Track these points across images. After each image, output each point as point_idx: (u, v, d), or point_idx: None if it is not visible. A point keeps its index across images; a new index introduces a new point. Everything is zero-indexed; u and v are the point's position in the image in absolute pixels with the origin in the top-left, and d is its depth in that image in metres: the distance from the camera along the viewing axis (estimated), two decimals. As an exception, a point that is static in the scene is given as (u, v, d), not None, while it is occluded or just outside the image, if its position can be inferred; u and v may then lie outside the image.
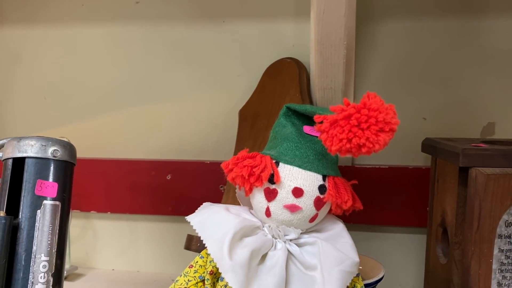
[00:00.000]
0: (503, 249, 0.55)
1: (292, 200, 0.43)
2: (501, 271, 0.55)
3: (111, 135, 0.85)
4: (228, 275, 0.40)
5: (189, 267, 0.48)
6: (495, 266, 0.55)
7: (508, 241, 0.55)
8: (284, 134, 0.46)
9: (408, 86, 0.76)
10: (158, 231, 0.86)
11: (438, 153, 0.63)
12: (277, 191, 0.44)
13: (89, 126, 0.86)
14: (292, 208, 0.43)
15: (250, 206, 0.49)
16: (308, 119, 0.47)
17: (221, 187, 0.80)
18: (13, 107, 0.88)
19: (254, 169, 0.43)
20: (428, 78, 0.75)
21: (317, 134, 0.46)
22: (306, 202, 0.44)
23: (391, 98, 0.75)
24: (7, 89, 0.88)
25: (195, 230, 0.44)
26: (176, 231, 0.84)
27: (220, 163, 0.81)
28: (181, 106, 0.82)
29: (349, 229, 0.79)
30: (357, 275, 0.46)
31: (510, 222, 0.55)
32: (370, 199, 0.77)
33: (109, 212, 0.85)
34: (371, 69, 0.76)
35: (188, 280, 0.47)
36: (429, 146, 0.65)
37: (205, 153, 0.82)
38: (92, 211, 0.86)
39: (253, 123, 0.73)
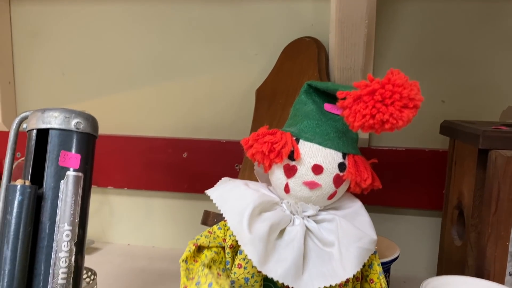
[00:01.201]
0: (520, 232, 0.55)
1: (311, 177, 0.43)
2: (517, 254, 0.55)
3: (129, 112, 0.86)
4: (247, 248, 0.40)
5: (208, 232, 0.48)
6: (511, 249, 0.55)
7: (526, 225, 0.55)
8: (305, 112, 0.46)
9: (428, 67, 0.75)
10: (174, 208, 0.87)
11: (457, 135, 0.62)
12: (296, 167, 0.44)
13: (106, 102, 0.86)
14: (311, 185, 0.43)
15: (268, 183, 0.49)
16: (329, 97, 0.47)
17: (237, 166, 0.81)
18: (32, 83, 0.89)
19: (274, 146, 0.43)
20: (448, 60, 0.74)
21: (338, 112, 0.46)
22: (326, 179, 0.44)
23: (410, 79, 0.75)
24: (26, 64, 0.89)
25: (214, 203, 0.45)
26: (191, 208, 0.85)
27: (236, 142, 0.82)
28: (198, 85, 0.83)
29: (366, 210, 0.79)
30: (375, 253, 0.46)
31: (528, 205, 0.54)
32: (386, 181, 0.76)
33: (125, 188, 0.87)
34: (391, 50, 0.76)
35: (210, 241, 0.47)
36: (447, 128, 0.65)
37: (221, 132, 0.83)
38: (109, 187, 0.87)
39: (271, 103, 0.73)
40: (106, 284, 0.71)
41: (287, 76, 0.73)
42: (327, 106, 0.46)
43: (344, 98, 0.41)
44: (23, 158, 0.82)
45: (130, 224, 0.89)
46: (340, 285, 0.43)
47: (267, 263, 0.40)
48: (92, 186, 0.87)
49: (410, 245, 0.78)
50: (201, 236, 0.47)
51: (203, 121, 0.83)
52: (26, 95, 0.89)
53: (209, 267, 0.44)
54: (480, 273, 0.55)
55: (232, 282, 0.44)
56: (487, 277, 0.54)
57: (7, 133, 0.87)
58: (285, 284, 0.40)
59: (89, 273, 0.59)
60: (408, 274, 0.76)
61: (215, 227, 0.49)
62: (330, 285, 0.41)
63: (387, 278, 0.56)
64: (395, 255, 0.55)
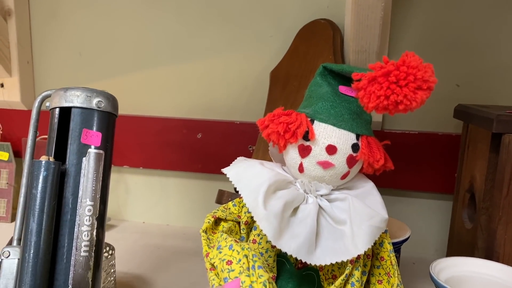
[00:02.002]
0: (531, 216, 0.55)
1: (325, 157, 0.44)
2: (527, 237, 0.56)
3: (144, 93, 0.87)
4: (262, 223, 0.41)
5: (224, 207, 0.50)
6: (521, 232, 0.56)
7: (537, 208, 0.55)
8: (320, 93, 0.47)
9: (442, 51, 0.75)
10: (188, 187, 0.88)
11: (470, 119, 0.62)
12: (311, 147, 0.45)
13: (122, 83, 0.87)
14: (325, 165, 0.45)
15: (282, 163, 0.50)
16: (344, 79, 0.47)
17: (250, 147, 0.82)
18: (50, 63, 0.90)
19: (289, 126, 0.44)
20: (463, 44, 0.74)
21: (353, 94, 0.46)
22: (339, 160, 0.45)
23: (425, 63, 0.75)
24: (44, 45, 0.90)
25: (231, 181, 0.46)
26: (204, 187, 0.87)
27: (250, 123, 0.83)
28: (213, 66, 0.83)
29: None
30: (385, 232, 0.47)
31: (540, 190, 0.55)
32: (399, 164, 0.77)
33: (141, 167, 0.88)
34: (406, 33, 0.75)
35: (226, 216, 0.49)
36: (461, 112, 0.65)
37: (235, 113, 0.84)
38: (125, 166, 0.89)
39: (285, 85, 0.73)
40: (123, 260, 0.74)
41: (302, 59, 0.73)
42: (342, 88, 0.47)
43: (359, 80, 0.41)
44: (42, 137, 0.83)
45: (145, 202, 0.91)
46: (351, 261, 0.44)
47: (281, 239, 0.42)
48: (109, 165, 0.89)
49: (421, 227, 0.79)
50: (218, 210, 0.49)
51: (217, 102, 0.84)
52: (44, 74, 0.91)
53: (227, 234, 0.46)
54: (489, 255, 0.56)
55: None
56: (497, 259, 0.55)
57: (26, 111, 0.89)
58: (299, 258, 0.41)
59: (108, 248, 0.61)
60: (418, 255, 0.77)
61: (230, 203, 0.50)
62: (342, 261, 0.42)
63: (397, 258, 0.57)
64: (406, 236, 0.56)
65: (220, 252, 0.43)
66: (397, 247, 0.56)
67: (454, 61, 0.75)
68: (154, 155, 0.87)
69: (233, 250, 0.42)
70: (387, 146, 0.74)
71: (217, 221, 0.50)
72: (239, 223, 0.49)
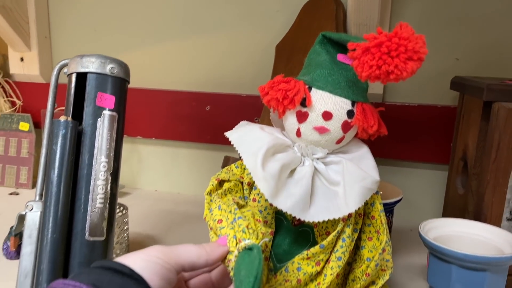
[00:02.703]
0: (519, 181, 0.58)
1: (321, 122, 0.47)
2: (515, 201, 0.59)
3: (156, 67, 0.91)
4: (260, 183, 0.44)
5: (227, 169, 0.53)
6: (509, 195, 0.59)
7: (525, 174, 0.58)
8: (318, 61, 0.49)
9: (443, 26, 0.77)
10: (198, 157, 0.93)
11: (465, 89, 0.65)
12: (308, 113, 0.47)
13: (135, 57, 0.91)
14: (321, 130, 0.47)
15: (282, 128, 0.54)
16: (343, 48, 0.50)
17: (256, 119, 0.85)
18: (66, 38, 0.95)
19: (288, 93, 0.47)
20: (463, 18, 0.76)
21: (350, 62, 0.49)
22: (334, 125, 0.47)
23: (426, 37, 0.77)
24: (61, 20, 0.94)
25: (232, 144, 0.49)
26: (214, 157, 0.91)
27: (256, 96, 0.86)
28: (221, 40, 0.87)
29: (377, 163, 0.84)
30: (377, 193, 0.50)
31: (528, 156, 0.58)
32: (399, 135, 0.81)
33: (153, 138, 0.93)
34: (407, 8, 0.77)
35: (230, 176, 0.52)
36: (457, 83, 0.68)
37: (242, 87, 0.87)
38: (138, 136, 0.93)
39: (289, 58, 0.76)
40: (136, 222, 0.79)
41: (306, 33, 0.76)
42: (340, 57, 0.49)
43: (354, 50, 0.44)
44: (60, 108, 0.88)
45: (157, 171, 0.96)
46: (343, 219, 0.48)
47: (277, 197, 0.45)
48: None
49: (419, 196, 0.83)
50: (221, 172, 0.53)
51: (225, 76, 0.88)
52: (61, 49, 0.95)
53: (225, 194, 0.50)
54: (478, 218, 0.59)
55: None
56: (484, 221, 0.58)
57: (45, 84, 0.94)
58: (293, 215, 0.45)
59: (121, 208, 0.66)
60: (415, 223, 0.80)
61: (233, 165, 0.54)
62: (334, 218, 0.46)
63: (390, 219, 0.61)
64: (398, 198, 0.59)
65: (212, 214, 0.47)
66: (390, 208, 0.59)
67: (454, 35, 0.77)
68: (165, 127, 0.91)
69: (221, 210, 0.47)
70: (388, 117, 0.77)
71: (221, 183, 0.53)
72: (242, 182, 0.53)
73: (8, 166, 0.93)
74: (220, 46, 0.87)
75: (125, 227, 0.63)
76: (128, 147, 0.96)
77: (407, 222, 0.79)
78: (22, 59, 0.94)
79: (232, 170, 0.53)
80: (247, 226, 0.42)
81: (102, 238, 0.48)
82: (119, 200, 0.88)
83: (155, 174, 0.96)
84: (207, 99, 0.88)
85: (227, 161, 0.69)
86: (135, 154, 0.96)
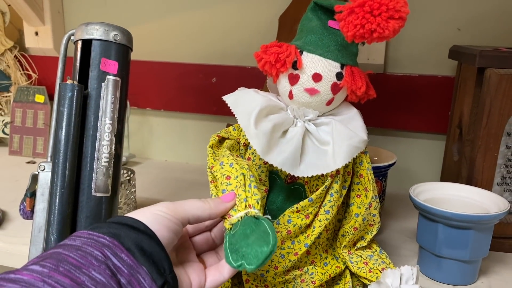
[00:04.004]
0: (511, 146, 0.60)
1: (311, 84, 0.50)
2: (506, 166, 0.61)
3: (164, 39, 0.94)
4: (253, 140, 0.48)
5: (225, 131, 0.56)
6: (500, 161, 0.60)
7: (516, 139, 0.60)
8: (310, 27, 0.52)
9: (445, -5, 0.78)
10: (204, 128, 0.96)
11: (461, 57, 0.66)
12: (299, 76, 0.50)
13: (145, 30, 0.94)
14: (311, 91, 0.50)
15: (277, 94, 0.56)
16: (334, 15, 0.52)
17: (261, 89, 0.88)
18: (79, 12, 0.98)
19: (280, 55, 0.50)
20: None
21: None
22: (324, 87, 0.50)
23: (426, 7, 0.78)
24: (73, -5, 0.97)
25: (229, 106, 0.52)
26: (220, 128, 0.93)
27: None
28: (226, 13, 0.89)
29: (378, 133, 0.86)
30: (365, 153, 0.53)
31: (520, 122, 0.59)
32: (399, 105, 0.82)
33: (162, 110, 0.96)
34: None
35: (228, 135, 0.55)
36: (455, 52, 0.69)
37: (247, 59, 0.90)
38: (147, 108, 0.97)
39: (291, 29, 0.78)
40: (145, 188, 0.83)
41: (308, 3, 0.77)
42: (331, 23, 0.51)
43: (341, 12, 0.46)
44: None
45: (167, 142, 1.00)
46: (331, 175, 0.50)
47: (269, 154, 0.48)
48: (133, 107, 0.98)
49: (419, 165, 0.84)
50: (221, 132, 0.56)
51: (230, 48, 0.90)
52: (74, 23, 0.99)
53: (230, 150, 0.53)
54: (469, 182, 0.61)
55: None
56: (475, 185, 0.60)
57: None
58: (283, 170, 0.48)
59: (129, 172, 0.70)
60: (415, 191, 0.82)
61: (230, 128, 0.57)
62: (322, 174, 0.49)
63: (383, 182, 0.63)
64: (391, 162, 0.62)
65: (222, 168, 0.50)
66: (383, 172, 0.61)
67: (455, 4, 0.77)
68: (173, 98, 0.95)
69: (233, 168, 0.49)
70: (389, 88, 0.79)
71: (221, 141, 0.56)
72: (239, 143, 0.56)
73: (25, 136, 0.98)
74: (226, 18, 0.89)
75: (133, 190, 0.67)
76: (138, 118, 0.99)
77: (406, 190, 0.81)
78: (36, 33, 0.98)
79: (230, 131, 0.56)
80: (260, 199, 0.44)
81: (108, 195, 0.51)
82: (128, 166, 0.93)
83: (165, 144, 1.00)
84: (213, 71, 0.91)
85: (229, 128, 0.72)
86: (146, 126, 0.99)
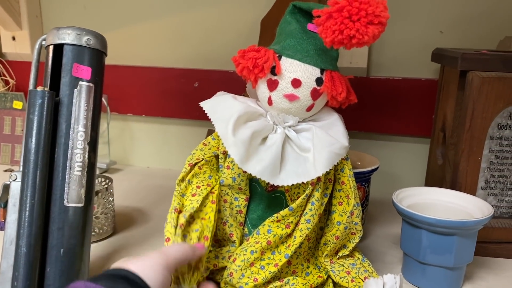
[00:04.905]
0: (494, 150, 0.59)
1: (291, 90, 0.48)
2: (490, 170, 0.60)
3: (145, 44, 0.92)
4: (230, 149, 0.46)
5: (203, 144, 0.55)
6: (484, 165, 0.60)
7: (499, 143, 0.59)
8: (289, 31, 0.50)
9: (427, -2, 0.77)
10: (187, 134, 0.94)
11: (443, 60, 0.66)
12: (278, 81, 0.48)
13: (125, 35, 0.92)
14: (291, 97, 0.48)
15: (257, 99, 0.55)
16: (313, 18, 0.51)
17: (243, 95, 0.86)
18: (57, 16, 0.96)
19: (257, 61, 0.48)
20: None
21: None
22: (304, 93, 0.48)
23: (411, 10, 0.77)
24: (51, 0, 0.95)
25: (206, 113, 0.51)
26: (203, 134, 0.92)
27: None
28: (208, 16, 0.87)
29: (362, 137, 0.85)
30: (347, 159, 0.52)
31: (503, 125, 0.59)
32: (383, 109, 0.82)
33: (144, 115, 0.94)
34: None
35: (204, 153, 0.54)
36: (438, 55, 0.68)
37: (229, 63, 0.86)
38: (128, 114, 0.95)
39: (274, 31, 0.76)
40: (125, 196, 0.81)
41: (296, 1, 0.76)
42: (310, 26, 0.50)
43: (319, 16, 0.45)
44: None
45: (149, 148, 0.98)
46: (312, 183, 0.49)
47: (248, 162, 0.46)
48: (113, 112, 0.96)
49: (403, 169, 0.84)
50: (197, 150, 0.54)
51: (213, 52, 0.88)
52: (52, 27, 0.96)
53: (190, 182, 0.51)
54: (453, 186, 0.60)
55: (222, 182, 0.51)
56: (459, 190, 0.59)
57: (37, 63, 0.95)
58: (262, 179, 0.46)
59: (107, 180, 0.68)
60: (400, 196, 0.81)
61: (209, 138, 0.55)
62: (303, 182, 0.47)
63: (366, 188, 0.62)
64: (374, 167, 0.61)
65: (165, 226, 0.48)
66: (365, 177, 0.60)
67: (438, 7, 0.77)
68: (155, 104, 0.93)
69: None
70: (372, 91, 0.78)
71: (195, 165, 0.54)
72: (217, 156, 0.54)
73: (3, 144, 0.95)
74: (207, 22, 0.88)
75: (110, 198, 0.65)
76: (119, 124, 0.97)
77: (390, 195, 0.80)
78: (14, 38, 0.95)
79: (209, 143, 0.54)
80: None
81: (81, 205, 0.49)
82: (107, 174, 0.91)
83: (147, 150, 0.98)
84: (195, 75, 0.89)
85: (210, 134, 0.70)
86: (127, 131, 0.97)
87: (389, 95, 0.80)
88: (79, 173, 0.49)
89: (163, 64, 0.91)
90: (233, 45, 0.87)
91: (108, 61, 0.91)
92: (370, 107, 0.81)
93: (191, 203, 0.48)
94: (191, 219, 0.48)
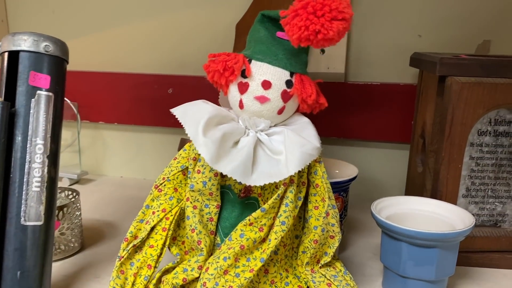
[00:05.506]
0: (474, 157, 0.58)
1: (261, 92, 0.48)
2: (471, 177, 0.59)
3: (116, 50, 0.89)
4: (201, 149, 0.45)
5: (174, 159, 0.53)
6: (465, 172, 0.58)
7: (480, 149, 0.58)
8: (258, 37, 0.50)
9: (405, 2, 0.75)
10: (161, 142, 0.91)
11: (421, 65, 0.64)
12: (248, 84, 0.48)
13: (95, 40, 0.89)
14: (262, 99, 0.48)
15: (229, 108, 0.53)
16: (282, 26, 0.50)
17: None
18: (24, 21, 0.92)
19: (227, 63, 0.48)
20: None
21: (288, 38, 0.49)
22: (274, 94, 0.48)
23: (388, 14, 0.76)
24: (18, 3, 0.91)
25: (177, 118, 0.49)
26: (177, 142, 0.89)
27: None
28: (181, 20, 0.84)
29: (340, 143, 0.83)
30: (320, 162, 0.50)
31: (483, 131, 0.57)
32: (361, 115, 0.80)
33: (116, 123, 0.91)
34: (368, -16, 0.76)
35: (171, 170, 0.52)
36: (416, 59, 0.67)
37: (205, 68, 0.85)
38: (100, 122, 0.91)
39: (248, 37, 0.75)
40: (96, 209, 0.77)
41: (265, 9, 0.74)
42: (279, 34, 0.50)
43: (286, 17, 0.45)
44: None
45: (122, 157, 0.94)
46: (284, 183, 0.47)
47: (218, 162, 0.45)
48: (84, 121, 0.92)
49: (383, 176, 0.82)
50: (167, 166, 0.53)
51: (187, 57, 0.86)
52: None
53: (148, 207, 0.52)
54: (434, 195, 0.58)
55: (192, 186, 0.49)
56: (440, 198, 0.57)
57: (2, 69, 0.91)
58: (234, 178, 0.45)
59: (74, 193, 0.65)
60: (380, 203, 0.80)
61: (181, 151, 0.53)
62: (276, 186, 0.46)
63: (344, 198, 0.60)
64: (353, 176, 0.59)
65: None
66: (343, 187, 0.58)
67: (416, 10, 0.75)
68: (128, 111, 0.89)
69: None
70: (350, 97, 0.76)
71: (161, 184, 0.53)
72: (186, 169, 0.52)
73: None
74: (181, 26, 0.85)
75: (77, 213, 0.61)
76: (91, 133, 0.94)
77: (370, 202, 0.78)
78: (-22, 44, 0.91)
79: (180, 155, 0.53)
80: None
81: (40, 223, 0.46)
82: (82, 187, 0.87)
83: (120, 160, 0.94)
84: (169, 82, 0.86)
85: (183, 144, 0.67)
86: (99, 140, 0.94)
87: (367, 101, 0.78)
88: (38, 189, 0.46)
89: (136, 70, 0.88)
90: (208, 50, 0.84)
91: (79, 67, 0.89)
92: (349, 113, 0.79)
93: (142, 232, 0.51)
94: (142, 244, 0.51)
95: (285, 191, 0.48)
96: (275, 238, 0.47)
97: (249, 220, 0.47)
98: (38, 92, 0.46)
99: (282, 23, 0.45)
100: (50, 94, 0.47)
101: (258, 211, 0.47)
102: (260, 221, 0.47)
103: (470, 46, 0.74)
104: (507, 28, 0.73)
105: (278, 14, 0.48)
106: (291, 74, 0.48)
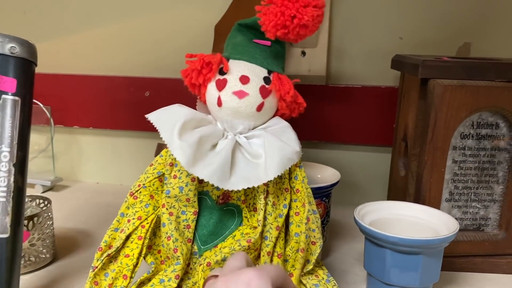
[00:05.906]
0: (457, 160, 0.57)
1: (240, 86, 0.47)
2: (454, 181, 0.58)
3: (90, 51, 0.86)
4: (176, 152, 0.43)
5: (150, 165, 0.51)
6: (448, 176, 0.57)
7: (463, 153, 0.57)
8: (235, 42, 0.50)
9: (385, 4, 0.75)
10: (139, 146, 0.88)
11: (403, 67, 0.63)
12: (226, 79, 0.47)
13: (68, 42, 0.86)
14: (240, 94, 0.47)
15: (207, 113, 0.51)
16: (259, 33, 0.49)
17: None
18: (-6, 22, 0.88)
19: (205, 59, 0.48)
20: (407, -5, 0.74)
21: (266, 43, 0.49)
22: (253, 89, 0.47)
23: (369, 16, 0.75)
24: (-14, 2, 0.87)
25: (152, 123, 0.47)
26: (155, 146, 0.87)
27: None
28: (158, 21, 0.82)
29: (322, 147, 0.82)
30: (300, 167, 0.49)
31: (466, 134, 0.56)
32: (343, 118, 0.79)
33: (91, 127, 0.88)
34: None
35: (147, 176, 0.50)
36: (397, 62, 0.66)
37: (183, 71, 0.83)
38: (75, 126, 0.88)
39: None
40: (70, 217, 0.74)
41: (245, 11, 0.72)
42: (256, 40, 0.51)
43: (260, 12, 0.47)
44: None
45: (98, 163, 0.91)
46: (264, 184, 0.46)
47: (195, 166, 0.43)
48: (59, 125, 0.89)
49: (365, 180, 0.81)
50: (143, 173, 0.51)
51: (164, 59, 0.83)
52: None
53: (123, 215, 0.50)
54: (417, 200, 0.57)
55: (168, 192, 0.47)
56: (423, 203, 0.56)
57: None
58: (211, 182, 0.43)
59: (45, 202, 0.62)
60: (362, 207, 0.79)
61: (157, 157, 0.51)
62: (253, 187, 0.45)
63: (327, 203, 0.58)
64: (335, 181, 0.57)
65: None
66: (325, 192, 0.57)
67: (397, 13, 0.75)
68: (103, 115, 0.87)
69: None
70: (331, 100, 0.75)
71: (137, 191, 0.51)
72: (162, 175, 0.50)
73: None
74: (158, 27, 0.82)
75: (49, 223, 0.58)
76: (65, 137, 0.90)
77: (353, 207, 0.77)
78: None
79: (157, 161, 0.51)
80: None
81: (6, 236, 0.43)
82: (56, 194, 0.84)
83: (96, 165, 0.91)
84: (146, 84, 0.84)
85: (160, 149, 0.65)
86: (74, 145, 0.91)
87: (349, 103, 0.77)
88: (4, 199, 0.43)
89: (111, 73, 0.85)
90: (186, 52, 0.81)
91: (52, 69, 0.86)
92: (330, 116, 0.78)
93: (116, 241, 0.48)
94: (117, 253, 0.48)
95: (266, 203, 0.47)
96: (263, 255, 0.48)
97: (248, 246, 0.47)
98: (3, 96, 0.44)
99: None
100: (17, 98, 0.45)
101: (258, 237, 0.47)
102: (257, 243, 0.48)
103: (451, 49, 0.74)
104: (487, 30, 0.73)
105: (255, 21, 0.48)
106: (269, 72, 0.48)
